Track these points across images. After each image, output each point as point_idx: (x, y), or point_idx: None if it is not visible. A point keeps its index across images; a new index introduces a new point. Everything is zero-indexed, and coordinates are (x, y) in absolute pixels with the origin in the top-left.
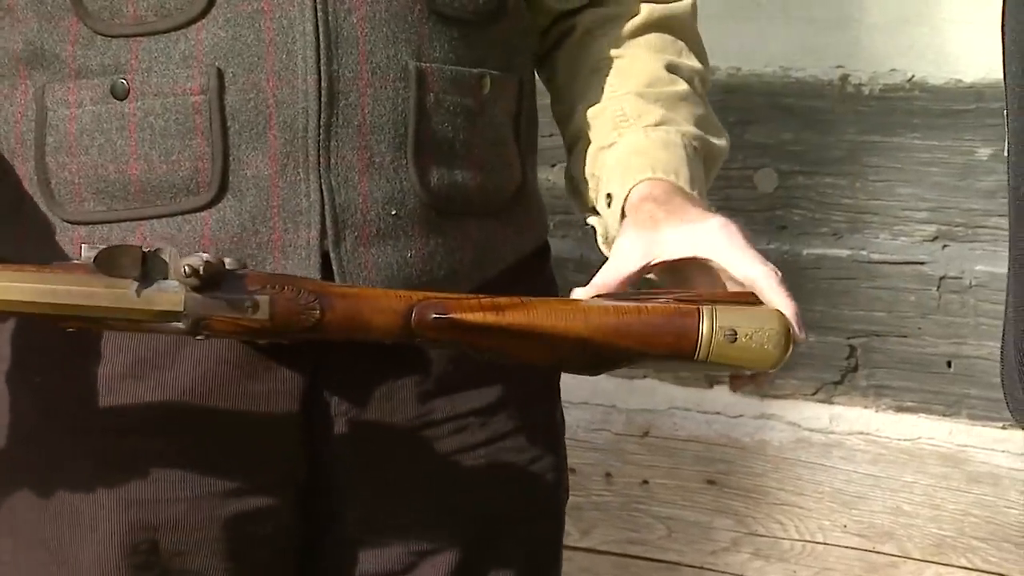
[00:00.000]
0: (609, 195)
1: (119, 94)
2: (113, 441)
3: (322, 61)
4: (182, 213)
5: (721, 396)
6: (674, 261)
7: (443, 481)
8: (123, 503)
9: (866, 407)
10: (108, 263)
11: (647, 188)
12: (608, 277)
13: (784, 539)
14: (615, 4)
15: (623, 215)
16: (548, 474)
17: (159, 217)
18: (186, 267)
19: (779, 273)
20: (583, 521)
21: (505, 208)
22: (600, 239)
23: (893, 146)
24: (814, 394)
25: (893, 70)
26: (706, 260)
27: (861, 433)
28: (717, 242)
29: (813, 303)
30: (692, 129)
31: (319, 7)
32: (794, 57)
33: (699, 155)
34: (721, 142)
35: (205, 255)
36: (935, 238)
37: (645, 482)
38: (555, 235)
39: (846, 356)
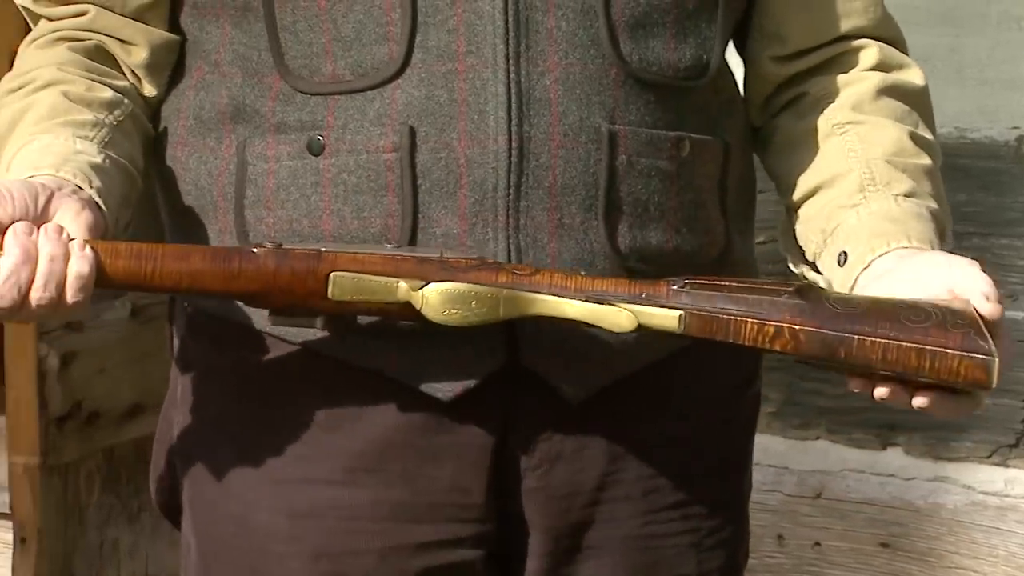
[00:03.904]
0: (844, 253)
1: (315, 150)
2: (305, 492)
3: (513, 122)
4: None
5: (895, 458)
6: None
7: (627, 541)
8: (313, 555)
9: None
10: None
11: (905, 252)
12: None
13: None
14: (844, 71)
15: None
16: (731, 540)
17: None
18: None
19: None
20: None
21: (706, 271)
22: None
23: None
24: (989, 457)
25: None
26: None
27: None
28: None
29: None
30: (936, 207)
31: (512, 68)
32: (969, 118)
33: (941, 233)
34: (950, 225)
35: None
36: None
37: (817, 544)
38: None
39: (1022, 419)
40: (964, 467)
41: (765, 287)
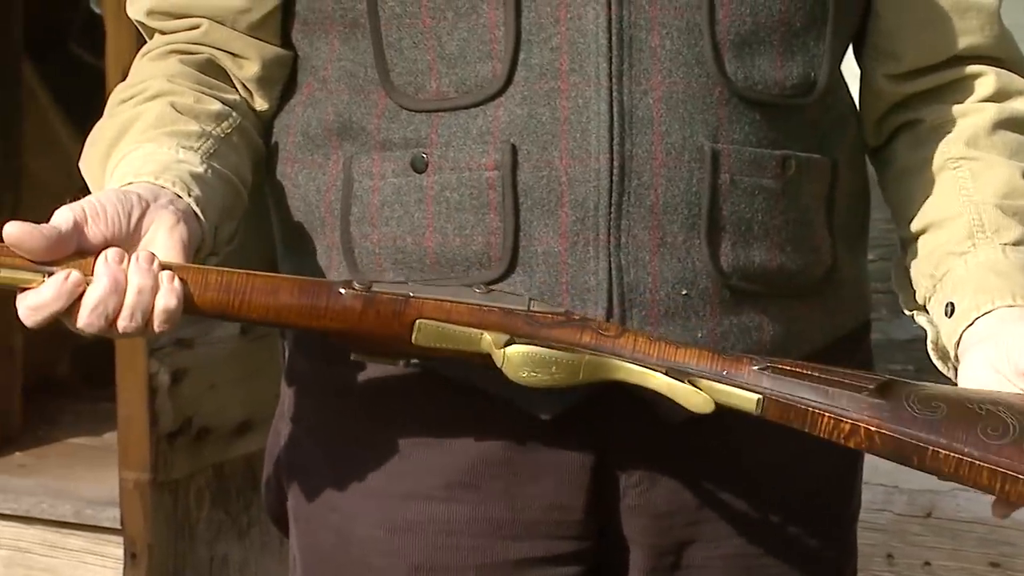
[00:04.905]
0: (951, 304)
1: (419, 167)
2: (404, 507)
3: (615, 140)
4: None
5: None
6: None
7: (729, 560)
8: (412, 569)
9: None
10: None
11: (1008, 314)
12: None
13: None
14: (960, 100)
15: (967, 327)
16: (838, 560)
17: None
18: None
19: None
20: None
21: (812, 290)
22: (930, 344)
23: None
24: None
25: None
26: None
27: None
28: None
29: None
30: None
31: (615, 87)
32: None
33: None
34: None
35: None
36: None
37: (927, 564)
38: None
39: None
40: None
41: (847, 380)
